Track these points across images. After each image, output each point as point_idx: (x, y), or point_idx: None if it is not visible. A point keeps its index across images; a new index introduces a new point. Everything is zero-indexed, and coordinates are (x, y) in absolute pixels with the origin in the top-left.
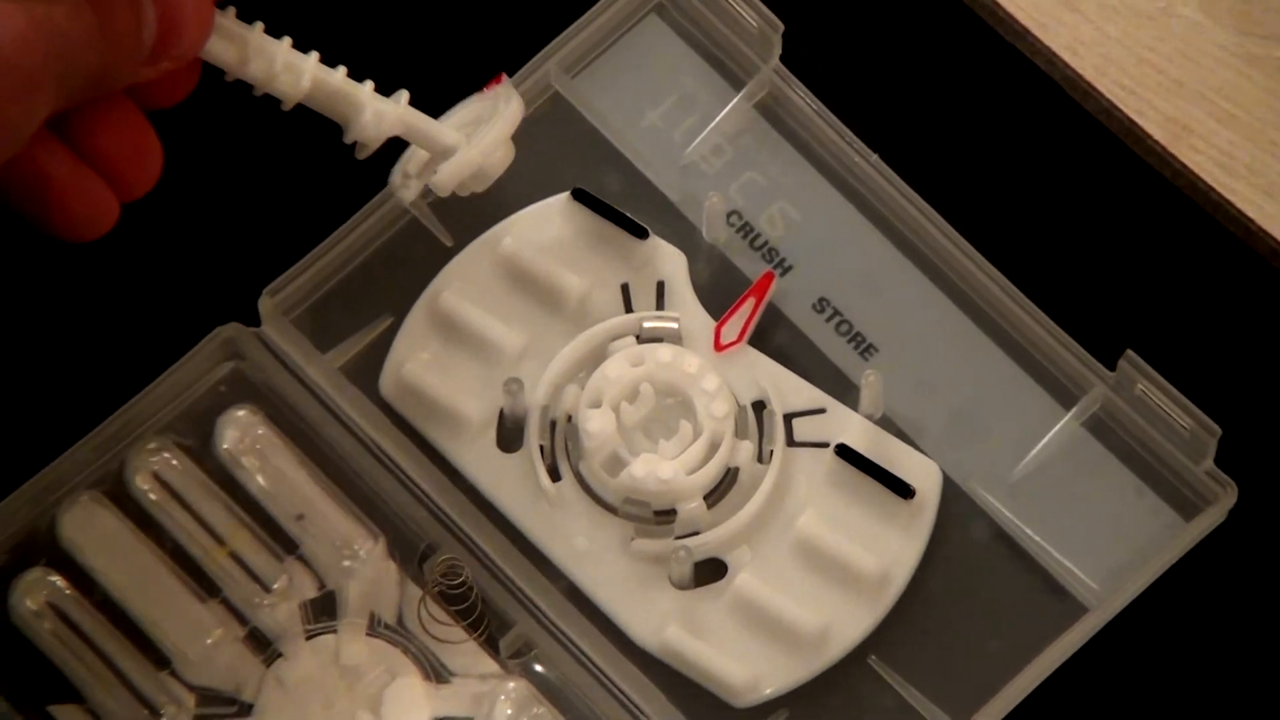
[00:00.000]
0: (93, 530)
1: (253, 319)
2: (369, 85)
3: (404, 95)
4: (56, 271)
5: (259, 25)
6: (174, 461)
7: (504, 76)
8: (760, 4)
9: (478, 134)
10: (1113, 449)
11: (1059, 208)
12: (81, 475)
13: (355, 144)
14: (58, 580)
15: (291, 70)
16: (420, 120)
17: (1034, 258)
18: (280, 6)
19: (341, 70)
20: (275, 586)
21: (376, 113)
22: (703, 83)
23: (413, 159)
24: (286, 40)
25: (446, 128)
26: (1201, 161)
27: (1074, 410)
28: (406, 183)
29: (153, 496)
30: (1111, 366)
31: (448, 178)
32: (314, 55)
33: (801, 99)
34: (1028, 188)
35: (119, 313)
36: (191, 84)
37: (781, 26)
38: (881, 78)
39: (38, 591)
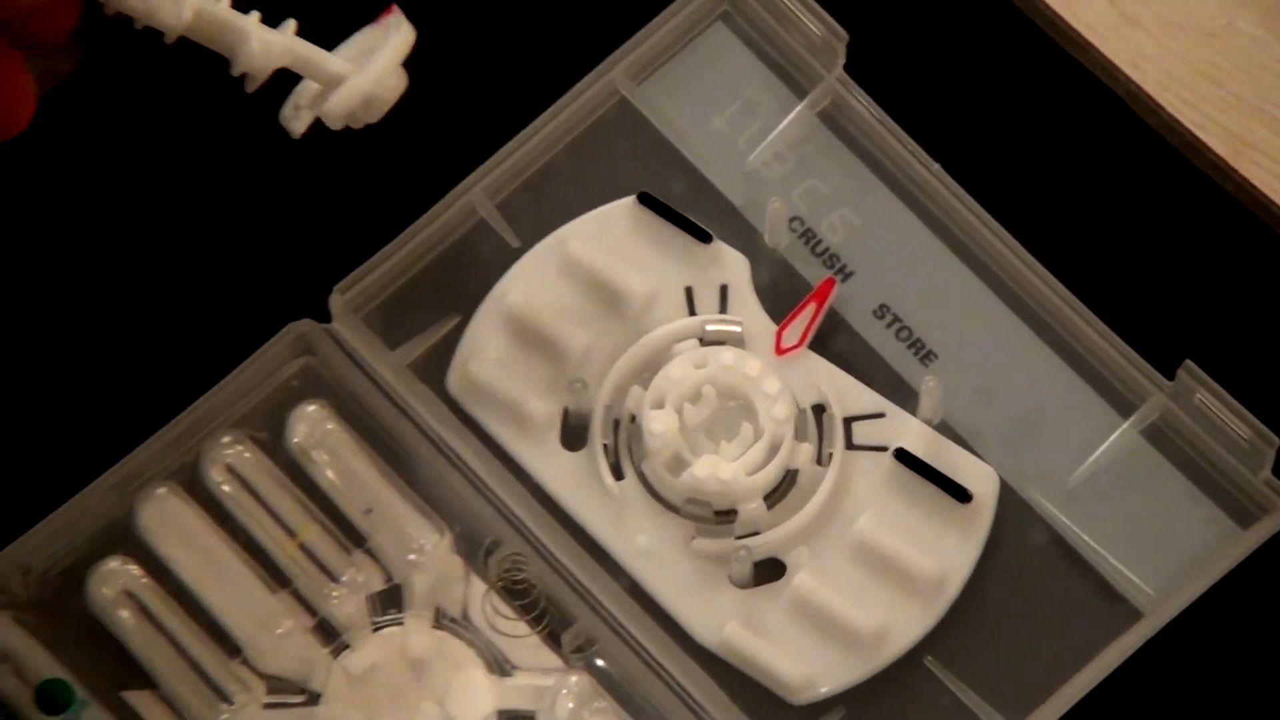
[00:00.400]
0: (168, 521)
1: (324, 315)
2: (255, 15)
3: (291, 25)
4: (136, 269)
5: None
6: (246, 454)
7: (395, 7)
8: (825, 14)
9: (368, 62)
10: (1170, 457)
11: (1119, 218)
12: (158, 467)
13: (245, 77)
14: (134, 569)
15: (174, 1)
16: (308, 49)
17: (1094, 267)
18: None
19: (226, 1)
20: (344, 579)
21: (263, 43)
22: (767, 90)
23: (304, 91)
24: None
25: (336, 57)
26: (1262, 175)
27: (1132, 419)
28: (298, 114)
29: (226, 488)
30: (1170, 376)
31: (338, 105)
32: None
33: (864, 108)
34: (1089, 198)
35: (194, 309)
36: (71, 18)
37: (845, 36)
38: (944, 88)
39: (114, 580)
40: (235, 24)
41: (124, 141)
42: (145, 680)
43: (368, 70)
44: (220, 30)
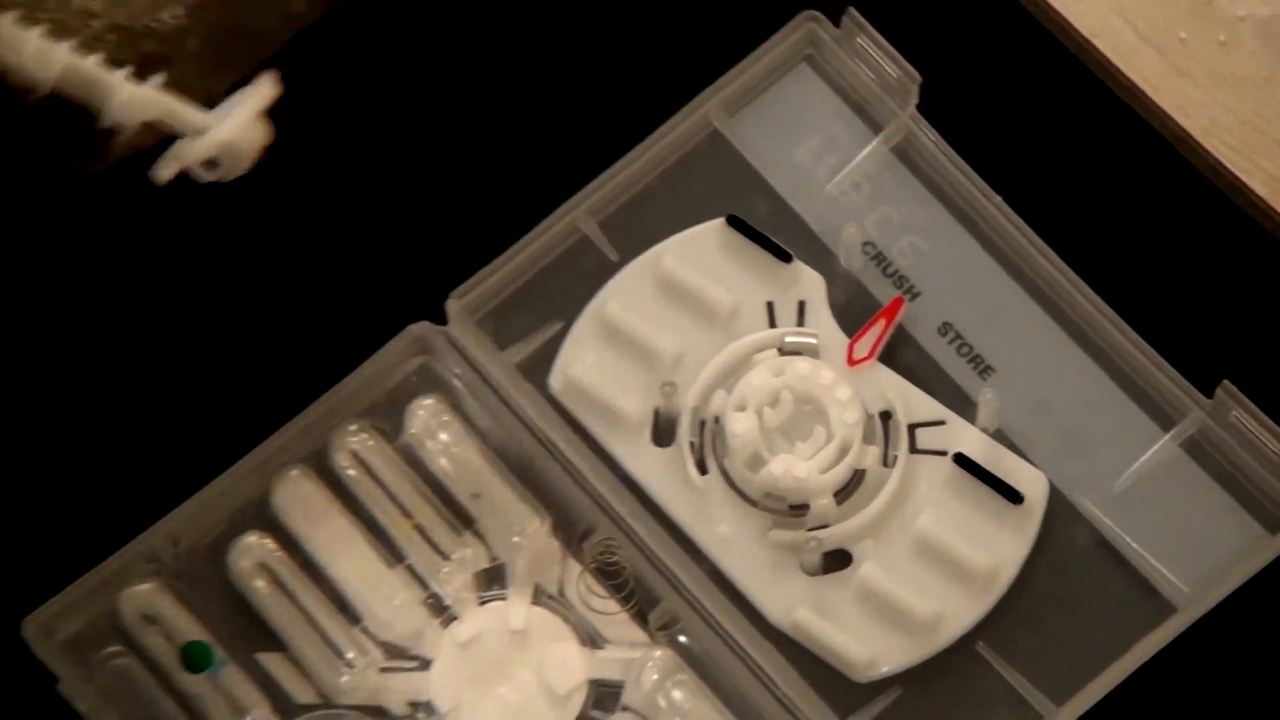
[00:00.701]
0: (299, 500)
1: (441, 319)
2: (122, 71)
3: (158, 78)
4: (279, 278)
5: (9, 14)
6: (369, 442)
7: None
8: (900, 58)
9: (228, 114)
10: (1207, 469)
11: (1166, 250)
12: (291, 453)
13: (114, 129)
14: (269, 543)
15: (42, 57)
16: (172, 103)
17: (1141, 293)
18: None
19: (95, 57)
20: (453, 557)
21: (129, 96)
22: (845, 126)
23: (179, 143)
24: (37, 29)
25: (197, 110)
26: None
27: (1172, 432)
28: (168, 163)
29: (350, 472)
30: (1210, 395)
31: (195, 153)
32: (66, 44)
33: (933, 144)
34: (1138, 231)
35: (327, 313)
36: None
37: (919, 78)
38: (1006, 128)
39: (251, 553)
40: (102, 79)
41: (272, 156)
42: (276, 643)
43: (226, 122)
44: (88, 84)
